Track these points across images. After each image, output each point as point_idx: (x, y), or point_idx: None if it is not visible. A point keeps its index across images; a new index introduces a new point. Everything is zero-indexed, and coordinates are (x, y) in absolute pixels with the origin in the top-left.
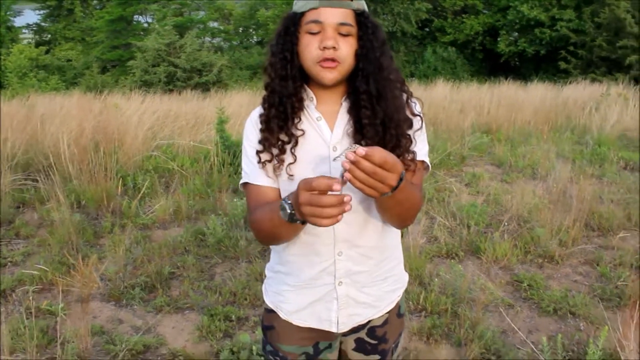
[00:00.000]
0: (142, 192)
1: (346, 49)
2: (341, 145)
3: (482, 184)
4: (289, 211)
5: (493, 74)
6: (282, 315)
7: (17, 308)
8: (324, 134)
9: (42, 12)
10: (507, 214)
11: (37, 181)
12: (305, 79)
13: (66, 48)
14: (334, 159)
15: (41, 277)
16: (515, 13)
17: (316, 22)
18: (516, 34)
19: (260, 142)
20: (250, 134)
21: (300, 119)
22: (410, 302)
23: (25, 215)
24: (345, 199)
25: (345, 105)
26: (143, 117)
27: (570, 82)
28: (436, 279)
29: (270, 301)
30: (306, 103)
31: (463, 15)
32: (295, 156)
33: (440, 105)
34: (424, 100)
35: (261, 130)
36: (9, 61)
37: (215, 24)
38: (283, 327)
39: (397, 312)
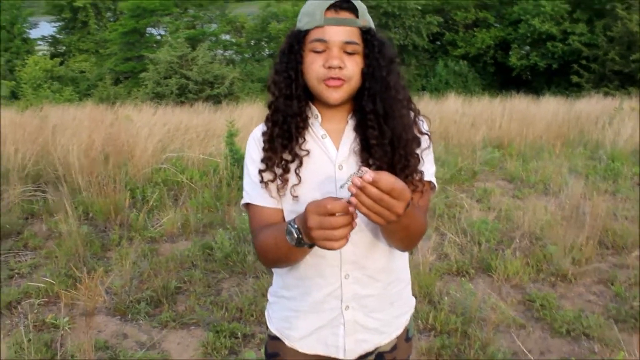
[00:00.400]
0: (150, 204)
1: (352, 68)
2: (347, 164)
3: (494, 200)
4: (296, 235)
5: (505, 87)
6: (288, 342)
7: (22, 321)
8: (330, 152)
9: (57, 24)
10: (519, 230)
11: (46, 192)
12: (310, 96)
13: (80, 60)
14: (341, 186)
15: (47, 289)
16: (526, 27)
17: (321, 40)
18: (528, 47)
19: (262, 161)
20: (253, 152)
21: (304, 139)
22: (420, 321)
23: (34, 227)
24: (353, 216)
25: (351, 123)
26: (154, 130)
27: (582, 96)
28: (446, 298)
29: (275, 328)
30: (311, 121)
31: (474, 29)
32: (300, 177)
33: (452, 119)
34: (435, 114)
35: (264, 149)
36: (24, 72)
37: (228, 37)
38: (288, 354)
39: (405, 337)
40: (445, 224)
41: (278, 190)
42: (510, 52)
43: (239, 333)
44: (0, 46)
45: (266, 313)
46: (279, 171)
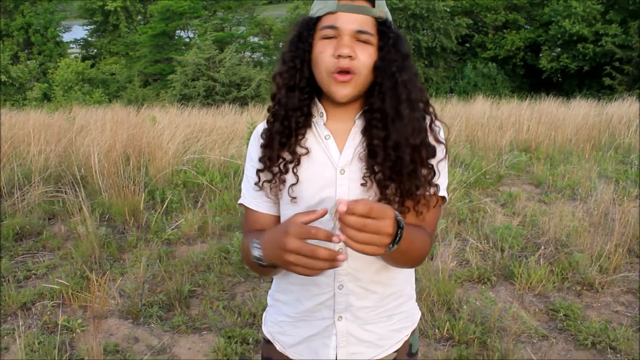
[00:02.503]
0: (169, 206)
1: (364, 59)
2: (350, 169)
3: (519, 205)
4: (257, 255)
5: (534, 90)
6: (279, 347)
7: (35, 322)
8: (332, 155)
9: (89, 27)
10: (544, 237)
11: (67, 193)
12: (317, 91)
13: (110, 62)
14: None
15: (61, 291)
16: (557, 28)
17: (332, 27)
18: (558, 49)
19: (260, 160)
20: (252, 150)
21: (304, 136)
22: (437, 330)
23: (54, 228)
24: (340, 257)
25: (359, 124)
26: (177, 131)
27: (615, 99)
28: (465, 306)
29: (267, 331)
30: (315, 119)
31: (504, 31)
32: (298, 177)
33: (479, 122)
34: (463, 116)
35: (262, 147)
36: (56, 75)
37: (256, 39)
38: None
39: (407, 351)
40: (467, 229)
41: (275, 191)
42: (541, 54)
43: (251, 339)
44: None
45: (263, 316)
46: (275, 170)
